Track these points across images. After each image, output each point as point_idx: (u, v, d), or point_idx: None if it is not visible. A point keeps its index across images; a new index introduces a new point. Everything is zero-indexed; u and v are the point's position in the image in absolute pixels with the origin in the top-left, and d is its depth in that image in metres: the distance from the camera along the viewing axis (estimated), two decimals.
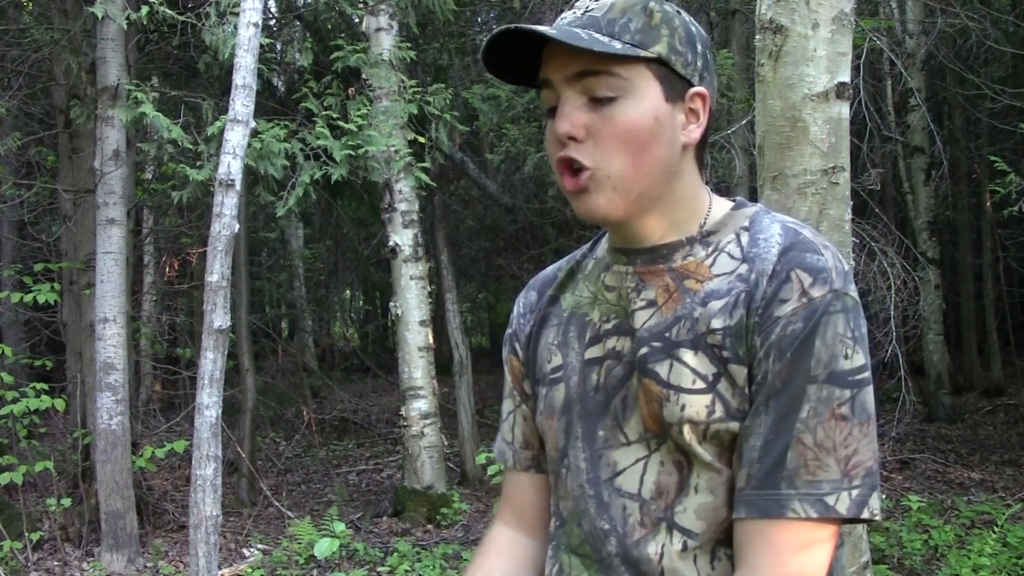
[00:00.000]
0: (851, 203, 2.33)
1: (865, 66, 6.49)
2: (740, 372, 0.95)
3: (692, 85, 1.02)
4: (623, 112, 0.98)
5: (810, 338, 0.92)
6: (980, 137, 11.38)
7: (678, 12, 1.03)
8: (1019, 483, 6.54)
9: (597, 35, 0.98)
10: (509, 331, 1.22)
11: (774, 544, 0.91)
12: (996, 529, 4.52)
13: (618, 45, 0.97)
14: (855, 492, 0.92)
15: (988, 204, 10.92)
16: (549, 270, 1.22)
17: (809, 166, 2.23)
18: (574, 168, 1.00)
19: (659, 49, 0.99)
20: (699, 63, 1.03)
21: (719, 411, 0.95)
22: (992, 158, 6.47)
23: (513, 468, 1.21)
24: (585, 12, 1.01)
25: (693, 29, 1.03)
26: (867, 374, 0.94)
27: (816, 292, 0.93)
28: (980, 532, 4.89)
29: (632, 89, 0.98)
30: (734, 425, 0.95)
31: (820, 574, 0.93)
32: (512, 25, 0.98)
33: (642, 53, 0.98)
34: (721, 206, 1.07)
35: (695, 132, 1.03)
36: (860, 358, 0.93)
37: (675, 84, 1.01)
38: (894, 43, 8.23)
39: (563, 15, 1.03)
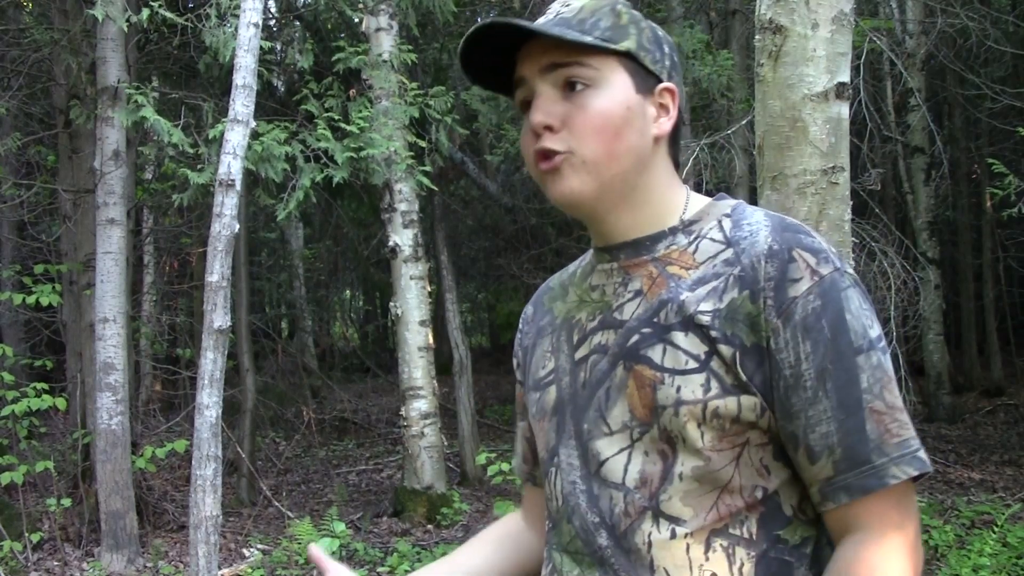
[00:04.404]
0: (851, 203, 2.33)
1: (865, 66, 6.49)
2: (728, 351, 0.96)
3: (661, 81, 1.06)
4: (596, 100, 1.01)
5: (838, 314, 0.94)
6: (980, 137, 11.38)
7: (643, 17, 1.09)
8: (1019, 483, 6.54)
9: (568, 31, 1.02)
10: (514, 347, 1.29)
11: (883, 516, 0.93)
12: (996, 529, 4.52)
13: (589, 39, 1.01)
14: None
15: (988, 204, 10.92)
16: (546, 283, 1.26)
17: (809, 166, 2.23)
18: (548, 155, 1.03)
19: (628, 44, 1.04)
20: (667, 62, 1.07)
21: (715, 388, 0.96)
22: (991, 160, 6.47)
23: (520, 478, 1.30)
24: (557, 15, 1.05)
25: (660, 33, 1.09)
26: (884, 342, 0.98)
27: (824, 270, 0.96)
28: (980, 532, 4.88)
29: (603, 80, 1.02)
30: (732, 401, 0.95)
31: (919, 530, 0.96)
32: (484, 21, 1.02)
33: (611, 46, 1.02)
34: (700, 200, 1.10)
35: (666, 124, 1.06)
36: (878, 327, 0.97)
37: (644, 78, 1.05)
38: (894, 43, 8.24)
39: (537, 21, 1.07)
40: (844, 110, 2.25)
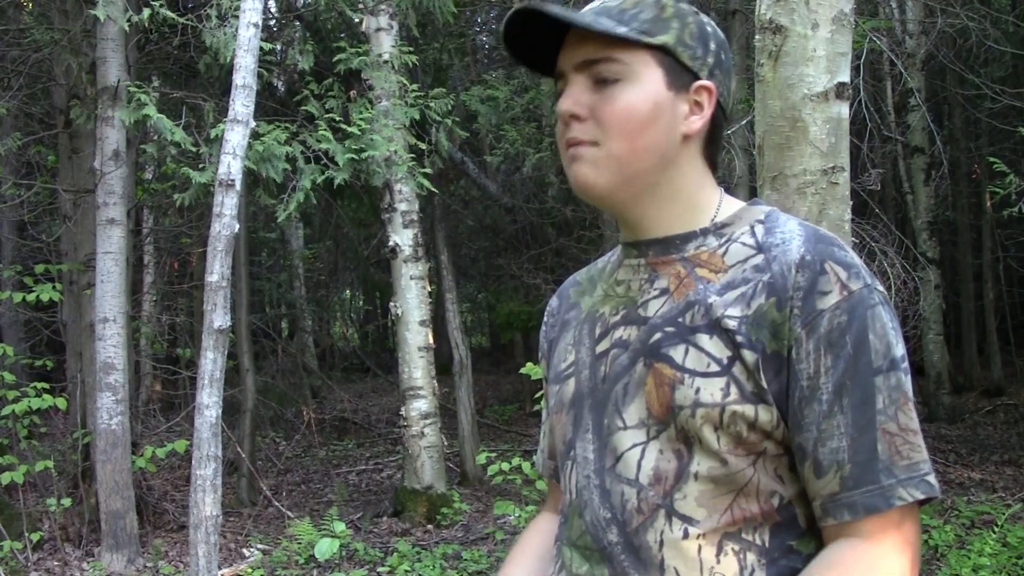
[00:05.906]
0: (851, 203, 2.33)
1: (865, 66, 6.50)
2: (752, 357, 0.96)
3: (699, 78, 1.04)
4: (623, 94, 1.01)
5: (863, 332, 0.94)
6: (980, 137, 11.38)
7: (695, 12, 1.06)
8: (1019, 483, 6.54)
9: (605, 20, 1.01)
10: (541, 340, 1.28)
11: (881, 537, 0.93)
12: (996, 529, 4.52)
13: (623, 30, 1.00)
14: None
15: (988, 204, 10.92)
16: (573, 276, 1.26)
17: (809, 166, 2.23)
18: (576, 144, 1.04)
19: (665, 39, 1.02)
20: (710, 60, 1.05)
21: (734, 393, 0.95)
22: (991, 159, 6.47)
23: (543, 474, 1.29)
24: (601, 2, 1.05)
25: (708, 29, 1.06)
26: (907, 362, 0.98)
27: (854, 285, 0.96)
28: (980, 532, 4.89)
29: (633, 74, 1.02)
30: (750, 408, 0.95)
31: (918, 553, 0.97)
32: (525, 4, 1.02)
33: (645, 39, 1.01)
34: (733, 203, 1.09)
35: (696, 123, 1.05)
36: (902, 346, 0.97)
37: (680, 75, 1.03)
38: (894, 43, 8.23)
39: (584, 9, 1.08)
40: (844, 110, 2.25)
